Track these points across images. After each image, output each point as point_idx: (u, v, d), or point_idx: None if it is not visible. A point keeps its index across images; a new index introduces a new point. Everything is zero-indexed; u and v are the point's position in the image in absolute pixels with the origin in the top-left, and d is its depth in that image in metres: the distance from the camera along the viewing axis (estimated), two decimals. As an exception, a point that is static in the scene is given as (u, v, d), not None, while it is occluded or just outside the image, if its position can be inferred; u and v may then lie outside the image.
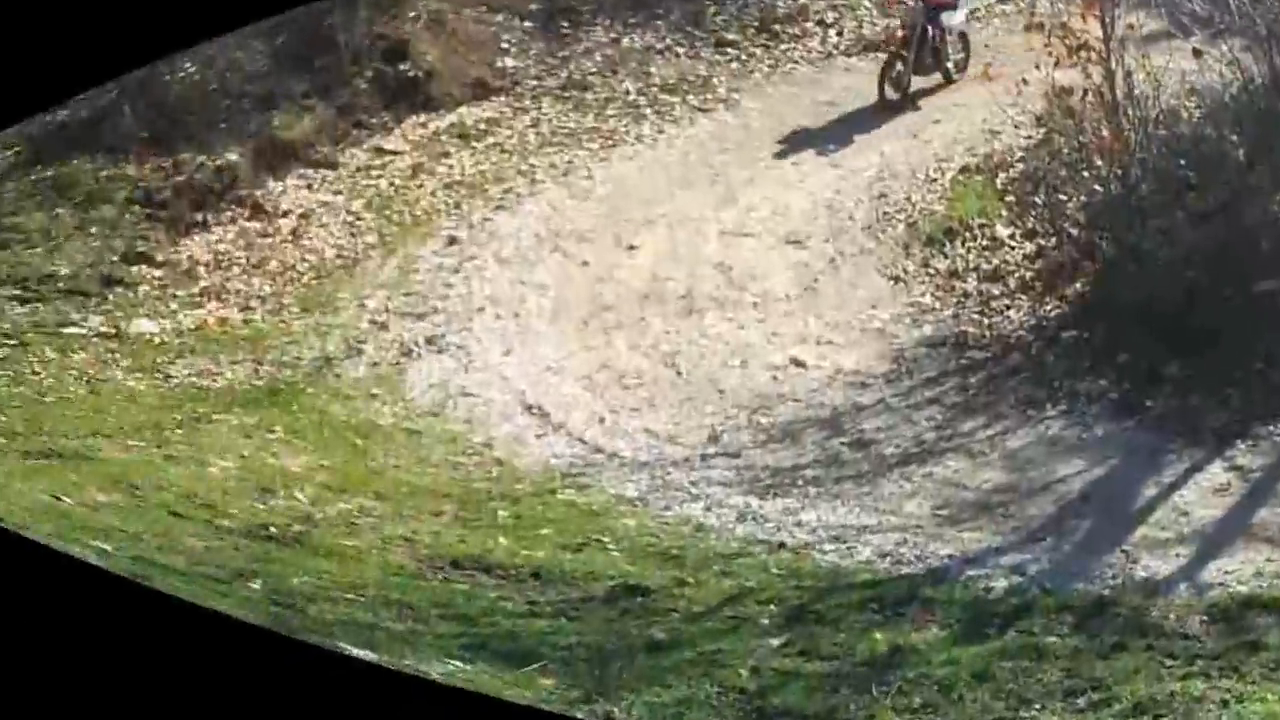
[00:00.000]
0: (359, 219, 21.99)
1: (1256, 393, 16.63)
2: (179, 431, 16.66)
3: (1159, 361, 17.22)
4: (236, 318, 19.96)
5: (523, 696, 9.81)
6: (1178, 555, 13.98)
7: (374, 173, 22.94)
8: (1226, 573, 13.46)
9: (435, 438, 17.30)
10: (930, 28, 23.12)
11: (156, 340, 19.35)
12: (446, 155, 23.34)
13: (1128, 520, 14.84)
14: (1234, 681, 10.48)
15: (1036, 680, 10.88)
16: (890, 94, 23.10)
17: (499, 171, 22.87)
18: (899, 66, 23.28)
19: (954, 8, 23.25)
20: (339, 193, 22.41)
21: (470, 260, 20.90)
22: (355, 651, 9.76)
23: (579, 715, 9.56)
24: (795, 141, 23.14)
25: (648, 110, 23.95)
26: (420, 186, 22.65)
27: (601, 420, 17.62)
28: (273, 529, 13.94)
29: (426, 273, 20.75)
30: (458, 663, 10.48)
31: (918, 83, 23.29)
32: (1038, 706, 10.41)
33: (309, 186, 22.53)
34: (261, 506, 14.63)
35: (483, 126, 23.74)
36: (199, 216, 21.54)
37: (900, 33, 23.71)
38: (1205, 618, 12.23)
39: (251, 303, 20.29)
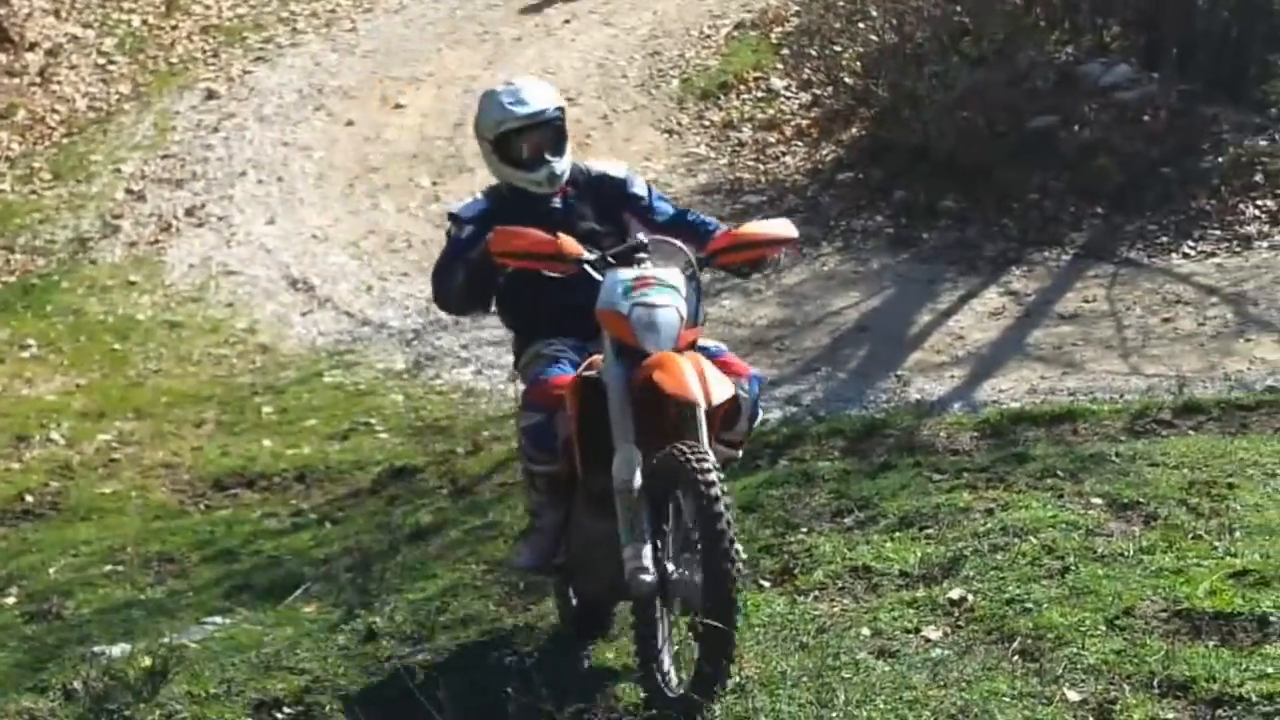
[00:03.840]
0: (111, 61, 21.37)
1: (1031, 222, 16.55)
2: (-67, 375, 16.05)
3: (935, 197, 17.11)
4: (-15, 187, 19.31)
5: (283, 636, 9.40)
6: (952, 377, 13.81)
7: (125, 5, 22.26)
8: (1000, 391, 13.32)
9: (197, 328, 16.73)
10: None
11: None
12: (202, -8, 22.76)
13: (903, 347, 14.63)
14: (1000, 491, 10.23)
15: (804, 504, 10.60)
16: None
17: (258, 18, 22.37)
18: None
19: None
20: (88, 26, 21.76)
21: (230, 118, 20.41)
22: (113, 651, 9.30)
23: (340, 639, 9.15)
24: (565, -1, 22.80)
25: (414, -40, 23.51)
26: (175, 28, 22.05)
27: (369, 289, 17.15)
28: (29, 498, 13.44)
29: (184, 131, 20.22)
30: (217, 619, 10.08)
31: None
32: (805, 529, 10.10)
33: (56, 13, 21.84)
34: (17, 466, 14.10)
35: (240, -38, 23.23)
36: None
37: None
38: (975, 434, 12.04)
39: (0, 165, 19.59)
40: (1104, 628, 8.03)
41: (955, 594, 8.62)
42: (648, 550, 7.42)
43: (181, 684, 8.51)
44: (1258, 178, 16.28)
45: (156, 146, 19.95)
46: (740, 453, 8.60)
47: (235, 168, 19.44)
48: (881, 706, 7.53)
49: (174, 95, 20.94)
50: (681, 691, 7.35)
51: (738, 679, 7.71)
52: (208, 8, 22.53)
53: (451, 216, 8.93)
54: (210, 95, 20.90)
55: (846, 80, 19.48)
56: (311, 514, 12.56)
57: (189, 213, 18.69)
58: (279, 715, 8.25)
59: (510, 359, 14.26)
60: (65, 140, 20.10)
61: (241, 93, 20.92)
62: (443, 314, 16.08)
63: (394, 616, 9.47)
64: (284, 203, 18.76)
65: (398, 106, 20.30)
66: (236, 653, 9.20)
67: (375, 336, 16.22)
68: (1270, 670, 7.41)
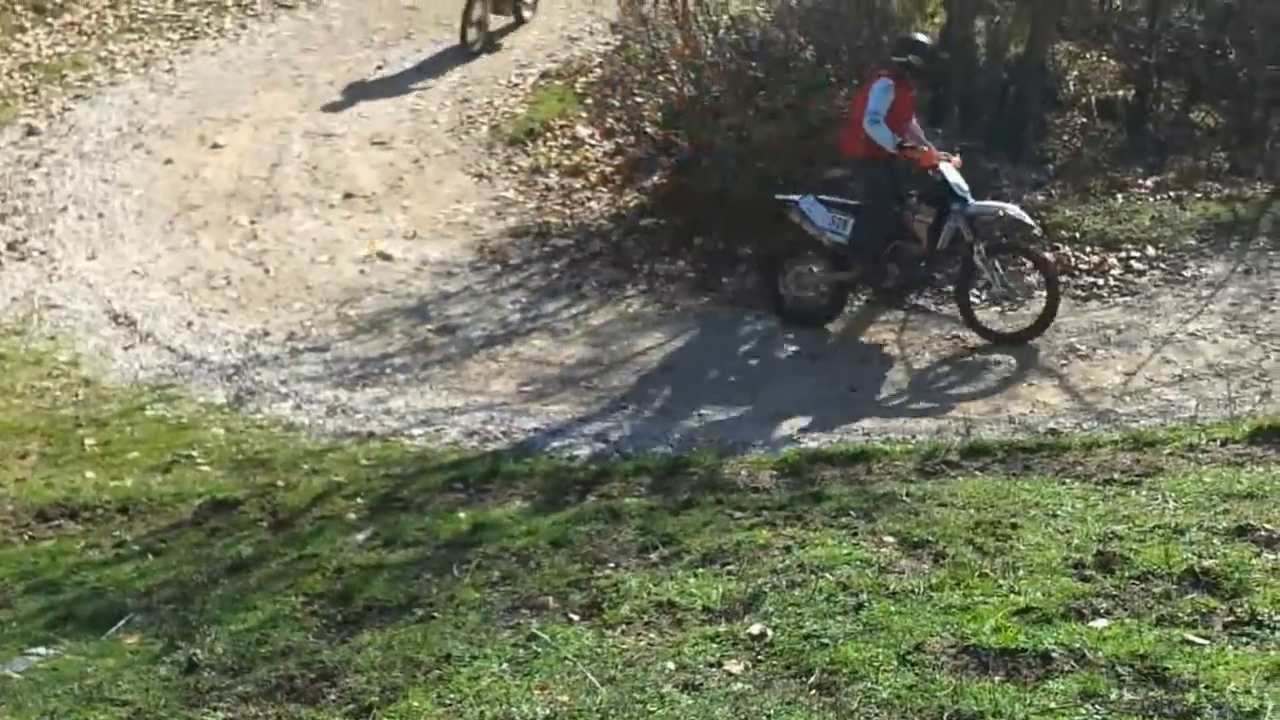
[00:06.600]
0: (-69, 100, 21.02)
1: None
2: None
3: (734, 244, 17.20)
4: None
5: (105, 667, 9.23)
6: (752, 417, 13.92)
7: (-55, 41, 22.00)
8: (799, 431, 13.43)
9: (19, 361, 16.34)
10: None
11: None
12: (22, 30, 22.33)
13: (705, 387, 14.76)
14: (798, 529, 10.32)
15: (611, 540, 10.60)
16: (472, 36, 22.33)
17: (77, 56, 22.04)
18: (478, 9, 22.33)
19: None
20: (-93, 63, 21.44)
21: (51, 154, 20.11)
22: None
23: (161, 670, 9.01)
24: (379, 45, 22.65)
25: (229, 3, 23.20)
26: (-6, 65, 21.71)
27: (189, 325, 16.88)
28: None
29: (5, 166, 19.90)
30: (40, 649, 9.88)
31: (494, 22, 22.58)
32: (612, 565, 10.10)
33: (-127, 48, 21.48)
34: None
35: (59, 1, 22.74)
36: None
37: None
38: (775, 472, 12.17)
39: None
40: (896, 663, 8.09)
41: (756, 629, 8.66)
42: None
43: (5, 715, 8.33)
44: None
45: (-22, 182, 19.63)
46: None
47: (56, 203, 19.12)
48: (686, 738, 7.57)
49: (-6, 131, 20.63)
50: None
51: (548, 711, 7.71)
52: (27, 45, 22.19)
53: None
54: (31, 131, 20.57)
55: (648, 130, 19.55)
56: (134, 545, 12.29)
57: (11, 246, 18.33)
58: (102, 747, 8.13)
59: (327, 393, 14.30)
60: (-114, 178, 19.72)
61: (61, 129, 20.60)
62: (262, 350, 16.06)
63: (214, 648, 9.35)
64: (105, 238, 18.45)
65: (215, 146, 20.11)
66: (60, 684, 9.02)
67: (196, 371, 15.96)
68: (1053, 705, 7.51)
